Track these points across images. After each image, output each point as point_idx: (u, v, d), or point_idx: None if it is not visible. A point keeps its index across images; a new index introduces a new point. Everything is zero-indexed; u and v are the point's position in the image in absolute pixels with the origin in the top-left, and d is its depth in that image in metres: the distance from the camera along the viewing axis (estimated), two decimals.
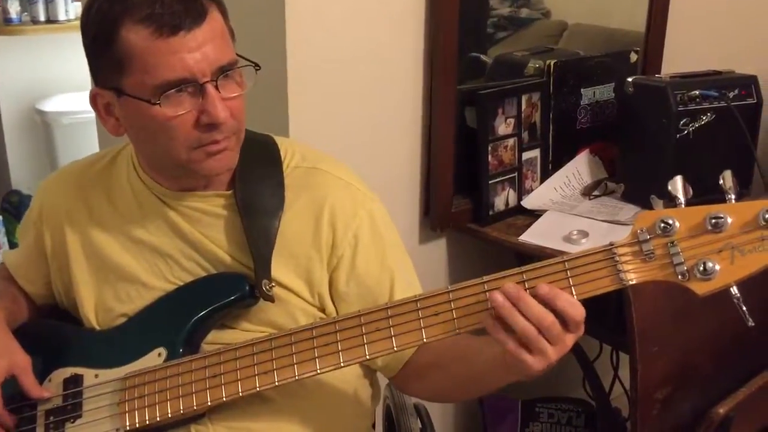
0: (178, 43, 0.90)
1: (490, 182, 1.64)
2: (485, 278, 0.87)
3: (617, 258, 0.83)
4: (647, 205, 1.75)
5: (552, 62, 1.73)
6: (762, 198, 0.82)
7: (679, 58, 1.96)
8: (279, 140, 1.11)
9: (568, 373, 1.86)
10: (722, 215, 0.80)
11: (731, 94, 1.65)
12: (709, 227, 0.80)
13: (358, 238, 1.05)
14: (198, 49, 0.91)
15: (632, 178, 1.73)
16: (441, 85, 1.53)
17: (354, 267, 1.05)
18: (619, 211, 1.69)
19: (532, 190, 1.75)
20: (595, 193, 1.79)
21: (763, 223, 0.78)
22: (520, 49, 1.89)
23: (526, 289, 0.84)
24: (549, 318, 0.82)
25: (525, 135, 1.70)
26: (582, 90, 1.80)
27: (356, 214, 1.06)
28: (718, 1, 2.07)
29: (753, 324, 0.80)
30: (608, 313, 1.48)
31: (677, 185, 0.84)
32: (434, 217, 1.63)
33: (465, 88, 1.63)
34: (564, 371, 1.88)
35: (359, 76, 1.47)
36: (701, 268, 0.80)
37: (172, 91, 0.91)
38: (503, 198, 1.68)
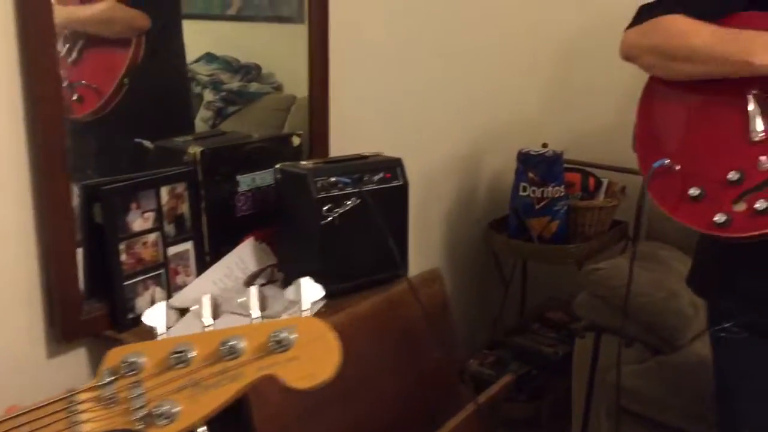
0: None
1: (126, 283, 1.51)
2: None
3: (75, 407, 0.73)
4: None
5: (198, 150, 1.66)
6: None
7: (348, 140, 1.98)
8: None
9: None
10: (184, 348, 0.72)
11: (376, 177, 1.67)
12: (173, 362, 0.72)
13: None
14: None
15: (289, 265, 1.68)
16: (48, 183, 1.39)
17: None
18: (278, 301, 1.63)
19: (186, 286, 1.64)
20: (260, 281, 1.72)
21: (224, 354, 0.72)
22: (183, 136, 1.81)
23: None
24: None
25: (170, 228, 1.60)
26: (239, 177, 1.73)
27: None
28: (376, 87, 2.13)
29: None
30: (239, 416, 1.39)
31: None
32: (60, 328, 1.46)
33: (91, 183, 1.50)
34: None
35: None
36: (159, 412, 0.71)
37: None
38: (147, 298, 1.55)
